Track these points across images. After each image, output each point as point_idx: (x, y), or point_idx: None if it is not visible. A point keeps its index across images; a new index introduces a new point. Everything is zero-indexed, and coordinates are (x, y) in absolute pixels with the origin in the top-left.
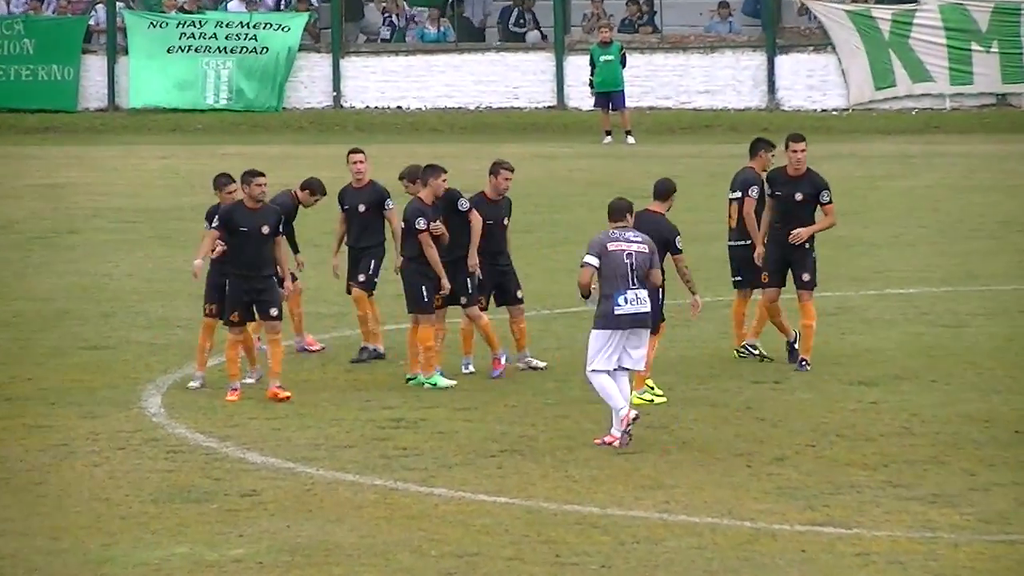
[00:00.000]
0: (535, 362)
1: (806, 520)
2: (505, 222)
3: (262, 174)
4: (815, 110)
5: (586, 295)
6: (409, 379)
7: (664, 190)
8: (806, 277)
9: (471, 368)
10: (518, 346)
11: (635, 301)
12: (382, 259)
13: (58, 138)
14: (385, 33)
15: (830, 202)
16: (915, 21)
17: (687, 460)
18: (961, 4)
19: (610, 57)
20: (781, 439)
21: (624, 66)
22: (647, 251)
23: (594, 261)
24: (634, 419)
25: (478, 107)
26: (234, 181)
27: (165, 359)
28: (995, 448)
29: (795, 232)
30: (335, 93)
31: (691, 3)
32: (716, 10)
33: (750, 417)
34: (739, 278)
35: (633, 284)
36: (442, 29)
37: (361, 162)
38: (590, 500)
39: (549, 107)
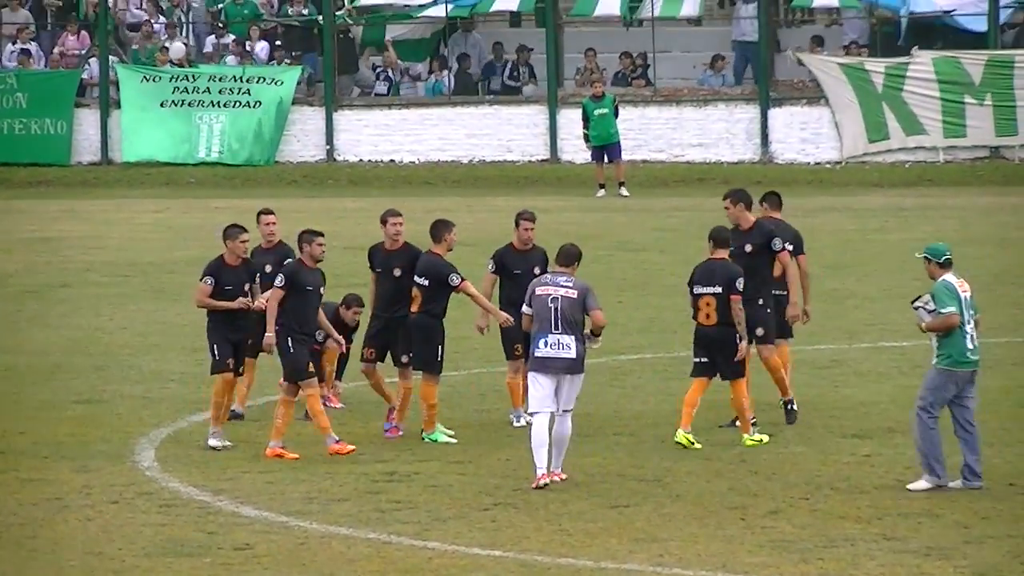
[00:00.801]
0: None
1: (800, 573)
2: (536, 271)
3: (322, 234)
4: (808, 163)
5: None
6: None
7: (724, 239)
8: (760, 332)
9: (522, 420)
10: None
11: (556, 346)
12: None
13: (51, 192)
14: (381, 88)
15: (783, 249)
16: (908, 74)
17: (681, 513)
18: (954, 57)
19: (604, 111)
20: (775, 492)
21: (617, 116)
22: (575, 296)
23: (526, 309)
24: (543, 485)
25: (471, 160)
26: (246, 231)
27: (158, 413)
28: (989, 501)
29: (791, 316)
30: (328, 147)
31: (684, 56)
32: (710, 63)
33: (744, 470)
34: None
35: (556, 329)
36: (441, 79)
37: (272, 223)
38: (584, 553)
39: (542, 160)
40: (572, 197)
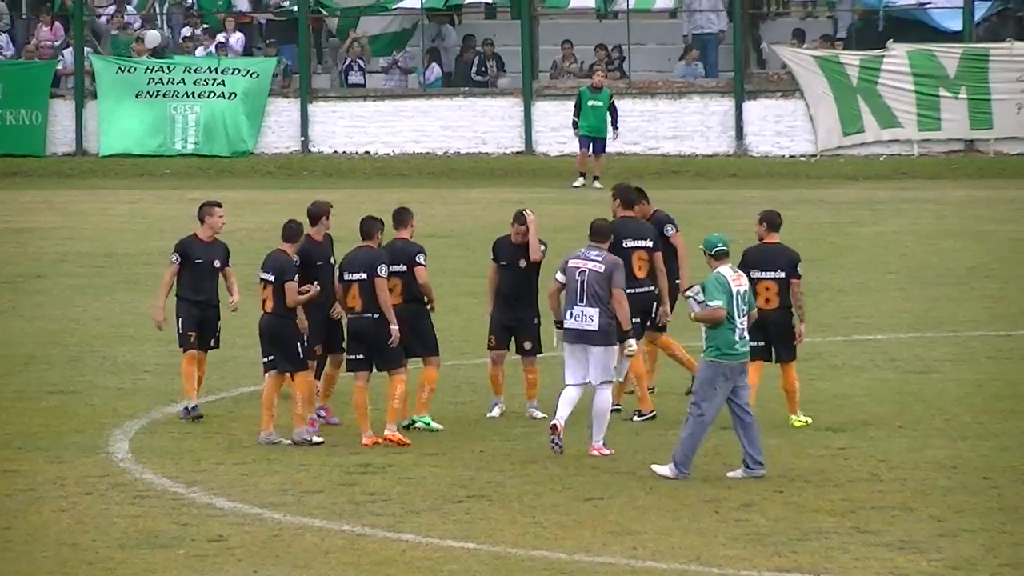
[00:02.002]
0: (536, 413)
1: (774, 566)
2: (522, 264)
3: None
4: (783, 156)
5: (557, 317)
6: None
7: (778, 223)
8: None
9: (495, 412)
10: (527, 396)
11: (580, 317)
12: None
13: (25, 182)
14: (357, 78)
15: (675, 232)
16: (883, 67)
17: (655, 506)
18: (929, 50)
19: (599, 103)
20: (749, 485)
21: (616, 116)
22: (602, 271)
23: (560, 277)
24: (553, 427)
25: (446, 152)
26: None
27: (132, 404)
28: (963, 494)
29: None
30: (303, 138)
31: (659, 49)
32: (681, 54)
33: (718, 463)
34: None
35: (581, 301)
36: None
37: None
38: (558, 546)
39: (517, 152)
40: (547, 189)
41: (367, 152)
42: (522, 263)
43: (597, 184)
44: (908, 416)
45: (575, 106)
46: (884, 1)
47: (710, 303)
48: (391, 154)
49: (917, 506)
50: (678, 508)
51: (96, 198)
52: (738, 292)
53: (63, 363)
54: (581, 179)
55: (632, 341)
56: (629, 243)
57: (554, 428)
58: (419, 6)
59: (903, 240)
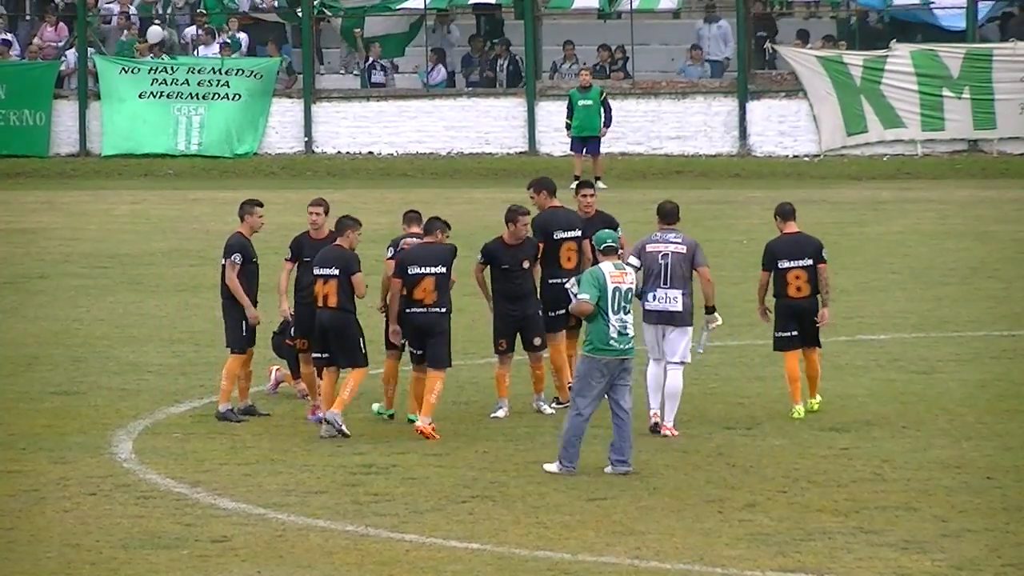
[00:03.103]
0: (546, 408)
1: (778, 566)
2: (525, 265)
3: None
4: (787, 156)
5: (636, 293)
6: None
7: (792, 210)
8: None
9: (500, 413)
10: (535, 389)
11: (664, 299)
12: None
13: (29, 183)
14: (379, 77)
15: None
16: (887, 67)
17: (658, 506)
18: (932, 50)
19: (588, 102)
20: (752, 485)
21: (610, 112)
22: (684, 252)
23: (635, 261)
24: (654, 424)
25: (449, 153)
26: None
27: (136, 404)
28: (967, 494)
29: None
30: (306, 139)
31: (663, 49)
32: (689, 52)
33: (721, 463)
34: None
35: (664, 283)
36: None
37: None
38: (561, 546)
39: (520, 153)
40: None
41: (370, 152)
42: (525, 264)
43: (601, 184)
44: (912, 416)
45: (567, 109)
46: (887, 1)
47: (579, 296)
48: (394, 154)
49: (921, 506)
50: (682, 508)
51: (99, 199)
52: (616, 289)
53: (66, 364)
54: (576, 185)
55: (717, 316)
56: (560, 234)
57: (656, 426)
58: (422, 5)
59: (906, 240)
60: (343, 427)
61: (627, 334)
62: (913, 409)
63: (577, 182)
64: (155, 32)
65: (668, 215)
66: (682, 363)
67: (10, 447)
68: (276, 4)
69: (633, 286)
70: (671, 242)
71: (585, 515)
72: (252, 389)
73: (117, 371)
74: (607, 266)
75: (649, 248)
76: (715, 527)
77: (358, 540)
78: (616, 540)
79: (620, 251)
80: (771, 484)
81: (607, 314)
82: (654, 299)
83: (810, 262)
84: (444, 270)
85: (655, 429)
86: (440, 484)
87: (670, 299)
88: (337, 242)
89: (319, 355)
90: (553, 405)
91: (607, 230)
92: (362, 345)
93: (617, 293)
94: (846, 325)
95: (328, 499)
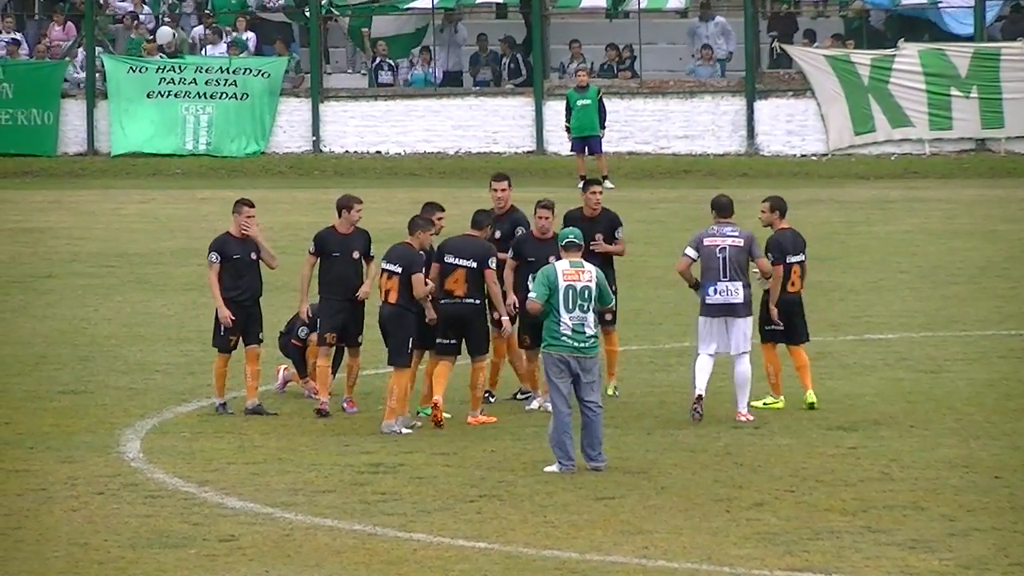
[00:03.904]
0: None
1: (785, 566)
2: (551, 260)
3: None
4: (794, 155)
5: (691, 284)
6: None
7: (784, 206)
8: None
9: (535, 404)
10: (532, 386)
11: (724, 292)
12: None
13: (36, 182)
14: (387, 77)
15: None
16: (895, 66)
17: (666, 505)
18: (940, 49)
19: (587, 101)
20: (760, 484)
21: (605, 111)
22: (742, 244)
23: (692, 253)
24: (696, 400)
25: (457, 152)
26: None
27: (143, 404)
28: (974, 493)
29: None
30: (314, 138)
31: (671, 48)
32: (700, 52)
33: (729, 462)
34: None
35: (724, 276)
36: (430, 69)
37: (503, 190)
38: (569, 546)
39: (528, 152)
40: (558, 188)
41: (378, 152)
42: (551, 259)
43: (608, 184)
44: (919, 415)
45: (565, 110)
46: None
47: (530, 295)
48: (402, 153)
49: (928, 505)
50: (689, 508)
51: (107, 198)
52: (569, 287)
53: (74, 363)
54: (583, 183)
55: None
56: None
57: (699, 398)
58: (431, 5)
59: (914, 239)
60: (401, 429)
61: (583, 332)
62: (921, 408)
63: (584, 180)
64: (164, 33)
65: (724, 209)
66: (747, 352)
67: (18, 446)
68: (283, 2)
69: (592, 284)
70: (728, 236)
71: (593, 514)
72: (260, 388)
73: (125, 370)
74: (562, 264)
75: (707, 242)
76: (723, 526)
77: (366, 539)
78: (624, 539)
79: (581, 248)
80: (779, 483)
81: (558, 311)
82: (715, 292)
83: (803, 258)
84: (475, 265)
85: (696, 411)
86: (448, 483)
87: (731, 292)
88: (407, 240)
89: (446, 342)
90: (517, 396)
91: (570, 227)
92: (408, 346)
93: (570, 291)
94: (854, 324)
95: (336, 498)
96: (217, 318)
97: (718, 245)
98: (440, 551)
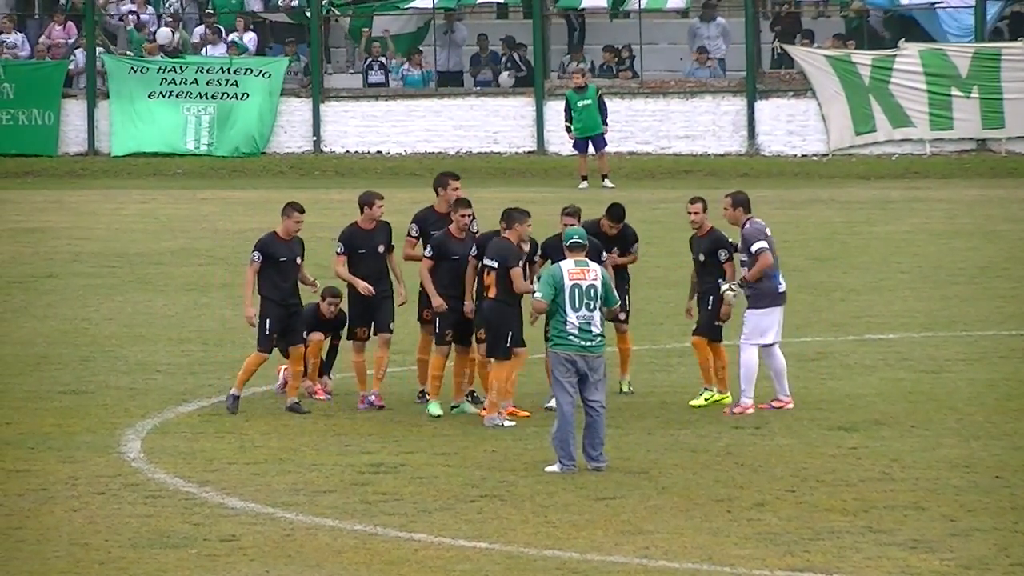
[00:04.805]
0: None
1: (786, 566)
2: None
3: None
4: (795, 155)
5: (743, 283)
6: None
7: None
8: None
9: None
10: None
11: (782, 282)
12: None
13: (37, 182)
14: (376, 77)
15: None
16: (895, 66)
17: (667, 505)
18: (941, 49)
19: (587, 102)
20: (761, 485)
21: (605, 108)
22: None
23: (763, 244)
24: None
25: (458, 152)
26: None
27: (144, 404)
28: (975, 493)
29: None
30: (315, 138)
31: (671, 48)
32: (696, 55)
33: (730, 462)
34: None
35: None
36: (426, 71)
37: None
38: (570, 546)
39: (529, 152)
40: (559, 189)
41: (379, 152)
42: (471, 258)
43: (608, 183)
44: (920, 415)
45: (565, 111)
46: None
47: (535, 295)
48: (403, 154)
49: (929, 505)
50: (690, 508)
51: (108, 198)
52: (575, 286)
53: (75, 363)
54: (585, 183)
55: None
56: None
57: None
58: (431, 5)
59: (915, 239)
60: (504, 422)
61: (590, 331)
62: (922, 408)
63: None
64: (164, 34)
65: (750, 204)
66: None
67: (19, 446)
68: (295, 3)
69: (598, 283)
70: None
71: (594, 514)
72: (260, 388)
73: (126, 370)
74: (568, 263)
75: (769, 233)
76: (724, 526)
77: (367, 539)
78: (625, 539)
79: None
80: (780, 483)
81: (565, 310)
82: (782, 281)
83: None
84: (496, 265)
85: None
86: (449, 483)
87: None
88: (505, 234)
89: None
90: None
91: (575, 227)
92: (507, 339)
93: (576, 290)
94: (854, 324)
95: (337, 498)
96: (264, 316)
97: (772, 239)
98: (441, 551)
